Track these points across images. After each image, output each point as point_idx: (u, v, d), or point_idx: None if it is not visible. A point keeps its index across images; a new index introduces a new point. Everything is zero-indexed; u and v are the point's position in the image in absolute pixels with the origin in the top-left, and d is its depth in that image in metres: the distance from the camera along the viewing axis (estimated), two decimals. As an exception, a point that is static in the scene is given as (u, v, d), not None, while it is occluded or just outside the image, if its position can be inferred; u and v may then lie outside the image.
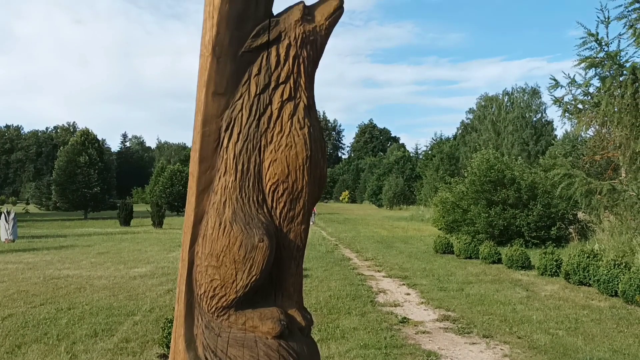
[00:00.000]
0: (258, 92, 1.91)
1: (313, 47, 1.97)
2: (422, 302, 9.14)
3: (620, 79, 7.32)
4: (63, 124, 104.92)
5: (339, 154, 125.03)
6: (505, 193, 18.03)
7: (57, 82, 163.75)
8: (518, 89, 66.37)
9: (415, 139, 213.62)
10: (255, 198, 1.89)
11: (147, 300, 8.85)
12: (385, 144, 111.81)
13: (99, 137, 50.15)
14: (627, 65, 8.72)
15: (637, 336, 7.00)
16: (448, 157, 60.55)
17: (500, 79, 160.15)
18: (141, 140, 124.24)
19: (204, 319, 1.85)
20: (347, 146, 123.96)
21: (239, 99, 1.90)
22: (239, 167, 1.87)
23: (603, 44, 8.05)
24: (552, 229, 17.31)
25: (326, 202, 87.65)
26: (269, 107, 1.91)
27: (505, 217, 17.61)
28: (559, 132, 61.63)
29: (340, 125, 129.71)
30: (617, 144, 8.92)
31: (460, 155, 60.99)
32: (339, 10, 2.01)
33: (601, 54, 7.55)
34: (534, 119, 64.26)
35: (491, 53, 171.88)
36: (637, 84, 7.08)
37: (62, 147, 51.27)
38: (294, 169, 1.89)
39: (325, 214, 44.72)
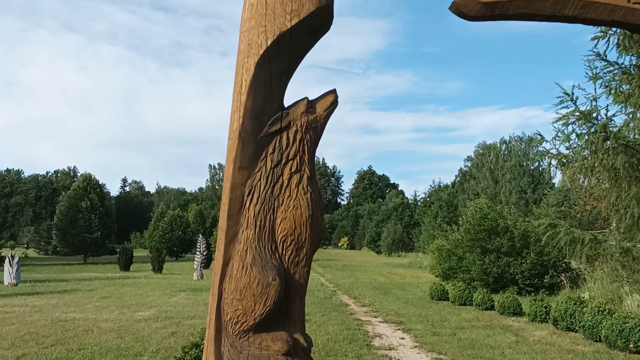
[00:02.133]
0: (273, 166, 2.52)
1: (315, 131, 2.60)
2: (415, 346, 9.54)
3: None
4: (63, 169, 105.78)
5: (338, 200, 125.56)
6: (499, 241, 18.55)
7: (59, 127, 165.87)
8: (515, 138, 67.66)
9: (414, 186, 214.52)
10: (269, 247, 2.47)
11: (153, 342, 9.26)
12: (384, 191, 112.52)
13: (100, 182, 50.91)
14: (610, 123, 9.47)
15: (617, 378, 7.42)
16: (446, 204, 60.87)
17: (498, 127, 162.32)
18: (141, 184, 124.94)
19: (229, 340, 2.40)
20: (347, 192, 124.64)
21: (258, 171, 2.52)
22: (258, 223, 2.46)
23: (577, 103, 8.76)
24: (545, 277, 17.74)
25: (325, 249, 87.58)
26: (281, 177, 2.52)
27: (500, 264, 18.06)
28: (556, 180, 62.18)
29: (339, 172, 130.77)
30: (599, 196, 9.57)
31: (459, 203, 61.61)
32: (334, 104, 2.65)
33: (577, 113, 8.26)
34: (532, 167, 65.25)
35: (489, 102, 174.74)
36: (608, 140, 7.78)
37: (64, 192, 51.99)
38: (299, 224, 2.48)
39: (324, 260, 44.91)
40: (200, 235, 30.60)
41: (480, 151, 72.38)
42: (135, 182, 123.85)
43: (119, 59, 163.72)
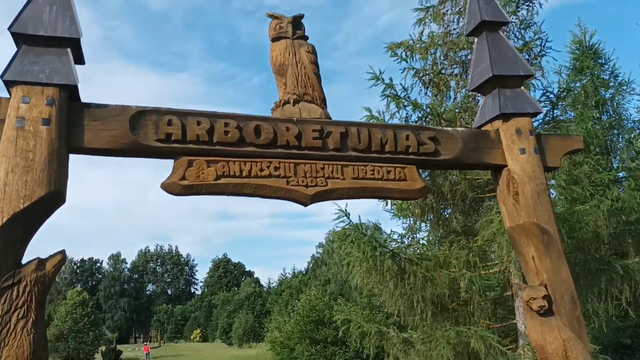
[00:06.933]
0: (2, 313, 3.28)
1: (43, 284, 3.41)
2: None
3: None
4: None
5: (192, 290, 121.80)
6: (325, 332, 19.81)
7: None
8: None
9: (270, 271, 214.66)
10: (-6, 379, 3.18)
11: None
12: (240, 278, 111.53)
13: None
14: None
15: None
16: (297, 291, 61.96)
17: (351, 212, 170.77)
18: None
19: None
20: (201, 281, 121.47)
21: (-10, 318, 3.25)
22: (-14, 361, 3.18)
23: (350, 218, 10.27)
24: (367, 363, 19.19)
25: (176, 343, 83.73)
26: (9, 323, 3.28)
27: (326, 354, 19.23)
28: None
29: (193, 260, 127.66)
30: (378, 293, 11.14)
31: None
32: (62, 261, 3.51)
33: (351, 226, 9.87)
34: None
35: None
36: (376, 250, 9.44)
37: None
38: (21, 360, 3.24)
39: (169, 357, 43.24)
40: None
41: (331, 238, 75.81)
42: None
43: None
